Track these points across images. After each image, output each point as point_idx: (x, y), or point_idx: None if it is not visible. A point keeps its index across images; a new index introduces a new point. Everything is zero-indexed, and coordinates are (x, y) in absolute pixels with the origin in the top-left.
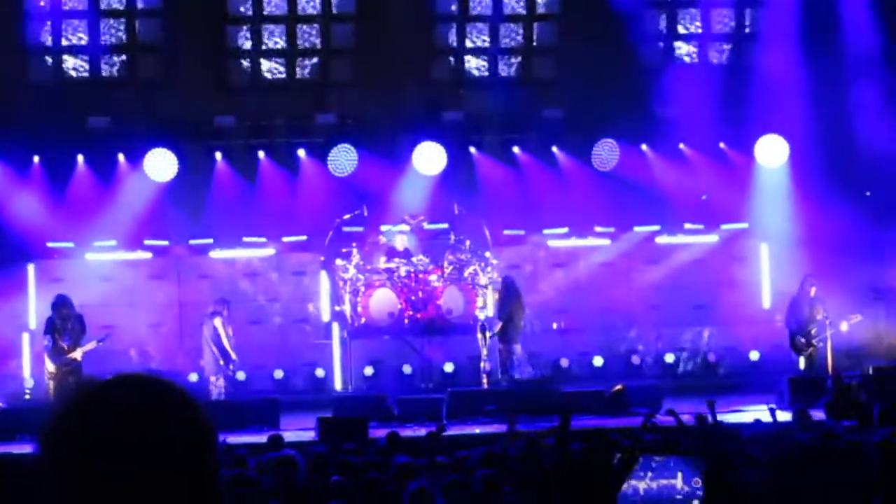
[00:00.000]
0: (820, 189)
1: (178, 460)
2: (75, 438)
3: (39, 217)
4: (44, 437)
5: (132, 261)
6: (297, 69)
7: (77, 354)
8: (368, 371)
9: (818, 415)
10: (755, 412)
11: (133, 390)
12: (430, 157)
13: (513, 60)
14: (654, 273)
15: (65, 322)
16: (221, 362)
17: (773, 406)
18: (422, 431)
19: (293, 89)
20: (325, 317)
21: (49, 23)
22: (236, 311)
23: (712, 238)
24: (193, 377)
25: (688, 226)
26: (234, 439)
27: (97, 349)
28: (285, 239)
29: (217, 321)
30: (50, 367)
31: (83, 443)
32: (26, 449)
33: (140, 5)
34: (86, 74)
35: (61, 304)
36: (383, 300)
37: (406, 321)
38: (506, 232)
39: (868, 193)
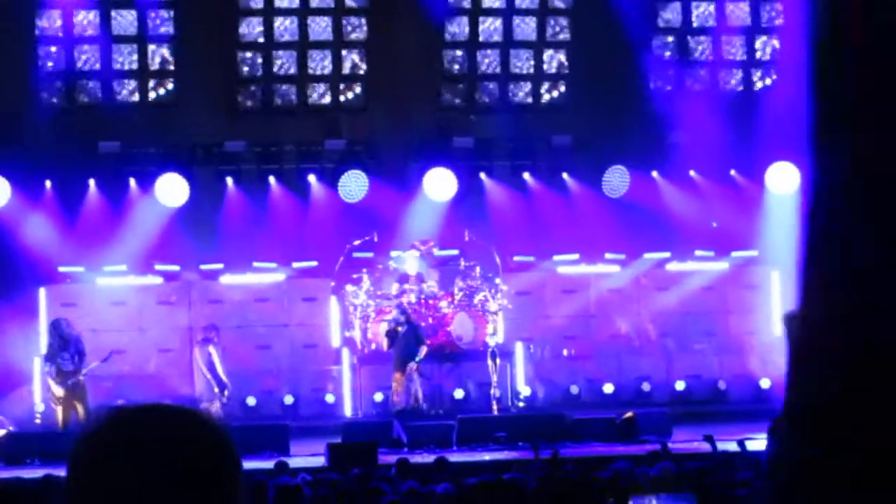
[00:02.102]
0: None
1: (206, 489)
2: (105, 465)
3: (51, 241)
4: (74, 462)
5: (143, 285)
6: (308, 95)
7: (80, 377)
8: (378, 397)
9: None
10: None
11: (164, 419)
12: (440, 183)
13: (523, 86)
14: (664, 300)
15: (64, 345)
16: (216, 389)
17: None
18: (431, 458)
19: (304, 115)
20: (335, 342)
21: (62, 48)
22: (246, 337)
23: (723, 265)
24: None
25: (698, 253)
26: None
27: (104, 372)
28: (296, 264)
29: (211, 348)
30: (57, 391)
31: (112, 469)
32: (36, 473)
33: (152, 31)
34: (98, 99)
35: (57, 328)
36: None
37: None
38: (516, 258)
39: None
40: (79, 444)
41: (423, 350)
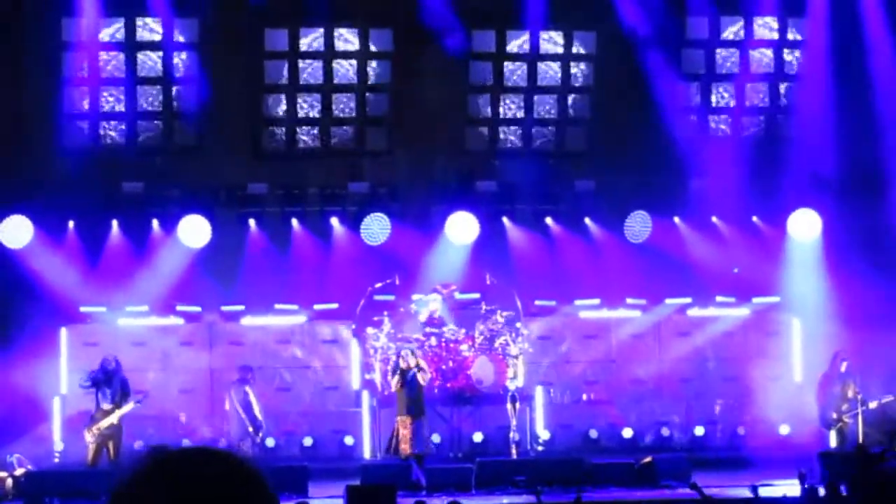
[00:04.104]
0: (852, 263)
1: None
2: None
3: (73, 281)
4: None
5: (164, 326)
6: (332, 138)
7: (114, 418)
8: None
9: None
10: (784, 487)
11: (204, 461)
12: (462, 227)
13: (546, 131)
14: (685, 345)
15: (108, 382)
16: (251, 429)
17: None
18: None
19: (327, 157)
20: (356, 385)
21: (87, 89)
22: (267, 378)
23: (744, 311)
24: (222, 443)
25: (719, 299)
26: None
27: (133, 411)
28: (317, 307)
29: (248, 388)
30: (93, 428)
31: None
32: None
33: (176, 73)
34: (122, 140)
35: (104, 365)
36: None
37: (436, 390)
38: (537, 302)
39: None
40: (120, 486)
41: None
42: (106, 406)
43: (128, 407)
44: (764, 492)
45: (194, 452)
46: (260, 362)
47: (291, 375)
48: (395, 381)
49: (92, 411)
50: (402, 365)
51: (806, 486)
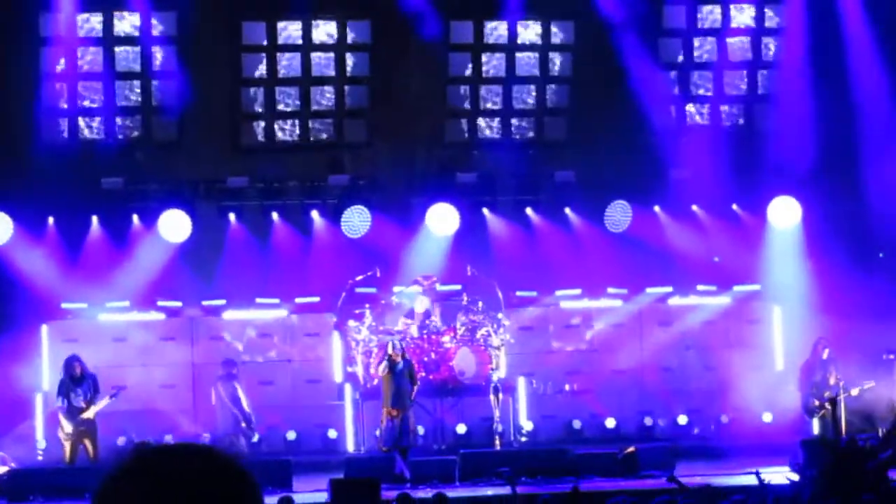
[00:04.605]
0: (833, 251)
1: None
2: (135, 502)
3: (53, 277)
4: (101, 501)
5: (145, 321)
6: (311, 131)
7: (90, 414)
8: (380, 432)
9: None
10: (769, 474)
11: (189, 459)
12: (443, 219)
13: (526, 122)
14: (666, 335)
15: (79, 382)
16: (243, 424)
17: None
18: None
19: (307, 151)
20: (338, 378)
21: (65, 84)
22: (249, 372)
23: (725, 300)
24: (206, 437)
25: (700, 287)
26: None
27: (107, 408)
28: (298, 300)
29: (236, 383)
30: (67, 427)
31: None
32: None
33: (155, 67)
34: (101, 136)
35: (68, 367)
36: None
37: (418, 382)
38: (518, 293)
39: (881, 255)
40: (103, 483)
41: (415, 389)
42: (78, 405)
43: (102, 402)
44: (753, 479)
45: (177, 449)
46: (242, 356)
47: (273, 369)
48: (381, 367)
49: (63, 410)
50: (391, 351)
51: (798, 476)
